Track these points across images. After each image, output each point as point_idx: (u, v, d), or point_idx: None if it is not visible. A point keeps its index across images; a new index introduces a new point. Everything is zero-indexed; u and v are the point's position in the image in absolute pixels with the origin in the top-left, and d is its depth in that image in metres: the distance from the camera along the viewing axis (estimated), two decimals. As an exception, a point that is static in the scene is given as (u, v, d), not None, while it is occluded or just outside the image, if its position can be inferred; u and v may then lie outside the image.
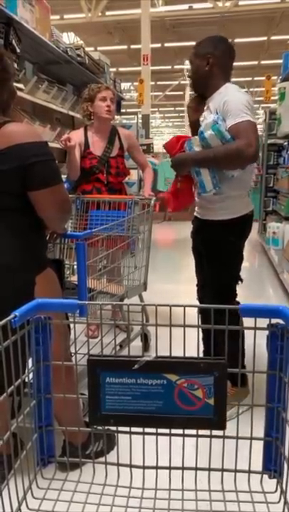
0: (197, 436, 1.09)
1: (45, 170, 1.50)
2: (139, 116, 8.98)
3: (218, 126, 1.96)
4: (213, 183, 2.05)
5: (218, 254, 2.19)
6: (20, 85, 3.56)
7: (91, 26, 11.82)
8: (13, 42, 3.23)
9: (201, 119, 2.31)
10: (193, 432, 1.08)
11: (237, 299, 2.26)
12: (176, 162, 2.17)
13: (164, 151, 2.81)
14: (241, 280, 2.27)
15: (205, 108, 2.23)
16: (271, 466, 1.07)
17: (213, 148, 2.01)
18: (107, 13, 11.90)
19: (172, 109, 24.64)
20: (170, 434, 1.09)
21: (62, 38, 4.66)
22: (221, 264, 2.19)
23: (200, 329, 1.11)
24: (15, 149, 1.44)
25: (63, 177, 2.38)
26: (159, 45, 13.33)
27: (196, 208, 2.34)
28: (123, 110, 7.79)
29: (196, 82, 2.22)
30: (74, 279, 2.11)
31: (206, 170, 2.05)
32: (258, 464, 1.09)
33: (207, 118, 2.05)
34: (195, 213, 2.36)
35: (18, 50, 3.34)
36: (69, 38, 11.57)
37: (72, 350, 1.69)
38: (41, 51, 4.18)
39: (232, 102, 1.98)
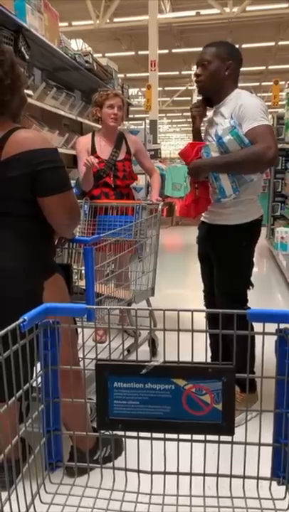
0: (205, 441, 1.09)
1: (55, 177, 1.50)
2: (147, 121, 9.01)
3: (236, 130, 1.96)
4: (233, 188, 2.04)
5: (230, 259, 2.16)
6: (29, 91, 3.59)
7: (99, 33, 11.90)
8: (22, 49, 3.27)
9: (203, 124, 2.29)
10: (202, 437, 1.08)
11: (248, 305, 2.23)
12: (194, 168, 2.14)
13: (171, 156, 2.80)
14: (252, 285, 2.24)
15: (212, 113, 2.22)
16: (280, 472, 1.06)
17: (232, 153, 1.99)
18: (115, 19, 11.97)
19: (180, 114, 24.71)
20: (178, 440, 1.08)
21: (70, 45, 4.70)
22: (233, 269, 2.17)
23: (208, 335, 1.11)
24: (25, 156, 1.45)
25: (72, 182, 2.38)
26: (166, 51, 13.38)
27: (204, 213, 2.31)
28: (131, 116, 7.83)
29: (210, 83, 2.12)
30: (82, 283, 2.11)
31: (225, 175, 2.03)
32: (266, 470, 1.08)
33: (222, 123, 2.03)
34: (202, 218, 2.33)
35: (27, 57, 3.38)
36: (77, 45, 11.67)
37: (80, 355, 1.70)
38: (50, 58, 4.22)
39: (248, 107, 1.98)
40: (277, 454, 1.06)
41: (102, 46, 13.19)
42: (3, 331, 0.93)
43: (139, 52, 13.89)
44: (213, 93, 2.16)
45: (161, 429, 1.05)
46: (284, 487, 1.07)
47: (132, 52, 14.41)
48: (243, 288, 2.22)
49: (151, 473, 1.14)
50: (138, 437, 1.09)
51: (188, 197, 2.32)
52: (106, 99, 3.04)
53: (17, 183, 1.46)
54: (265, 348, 1.02)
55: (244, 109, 1.98)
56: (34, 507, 1.07)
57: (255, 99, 2.05)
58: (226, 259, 2.19)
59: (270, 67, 15.92)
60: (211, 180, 2.11)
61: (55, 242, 1.81)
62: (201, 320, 1.08)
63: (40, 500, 1.10)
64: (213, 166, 2.07)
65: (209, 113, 2.27)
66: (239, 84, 2.17)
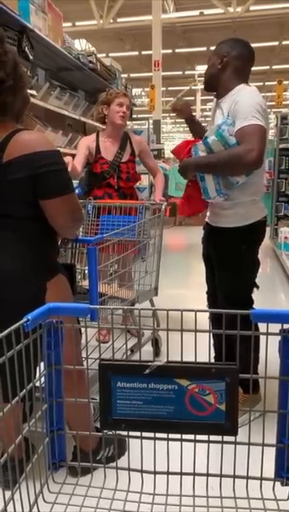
0: (208, 442, 1.09)
1: (57, 179, 1.50)
2: (150, 121, 9.02)
3: (221, 131, 1.93)
4: (216, 189, 2.02)
5: (230, 262, 2.13)
6: (33, 91, 3.60)
7: (103, 33, 11.92)
8: (26, 49, 3.27)
9: (211, 113, 2.29)
10: (205, 437, 1.08)
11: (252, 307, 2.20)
12: (181, 167, 2.16)
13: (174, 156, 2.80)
14: (257, 287, 2.20)
15: (217, 109, 2.21)
16: (284, 473, 1.06)
17: (215, 154, 1.98)
18: (119, 19, 11.98)
19: (183, 114, 24.69)
20: (181, 440, 1.08)
21: (74, 45, 4.71)
22: (234, 272, 2.14)
23: (211, 335, 1.11)
24: (27, 158, 1.44)
25: (75, 182, 2.38)
26: (170, 51, 13.39)
27: (208, 214, 2.30)
28: (134, 116, 7.83)
29: (207, 79, 2.20)
30: (85, 283, 2.12)
31: (209, 176, 2.02)
32: (270, 470, 1.08)
33: (217, 121, 2.03)
34: (206, 219, 2.32)
35: (31, 57, 3.38)
36: (81, 45, 11.69)
37: (84, 354, 1.70)
38: (53, 58, 4.22)
39: (242, 105, 1.94)
40: (280, 455, 1.06)
41: (106, 46, 13.21)
42: (7, 331, 0.94)
43: (143, 52, 13.91)
44: (211, 87, 2.19)
45: (164, 429, 1.05)
46: (287, 488, 1.06)
47: (136, 52, 14.43)
48: (245, 291, 2.18)
49: (155, 473, 1.14)
50: (141, 437, 1.09)
51: (183, 194, 2.34)
52: (116, 97, 3.05)
53: (19, 185, 1.46)
54: (268, 348, 1.02)
55: (238, 106, 1.95)
56: (37, 506, 1.07)
57: (251, 97, 1.99)
58: (226, 262, 2.16)
59: (273, 67, 15.89)
60: (197, 180, 2.12)
61: (59, 242, 1.81)
62: (204, 320, 1.08)
63: (44, 499, 1.10)
64: (197, 165, 2.08)
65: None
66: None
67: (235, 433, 1.02)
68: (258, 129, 1.89)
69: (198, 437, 1.08)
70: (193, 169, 2.10)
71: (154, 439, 1.08)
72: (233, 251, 2.12)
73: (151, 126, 8.73)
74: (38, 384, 1.13)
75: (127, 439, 1.12)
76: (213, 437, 1.07)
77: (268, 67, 15.74)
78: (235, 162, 1.91)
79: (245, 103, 1.94)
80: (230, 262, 2.14)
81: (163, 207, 2.78)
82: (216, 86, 2.14)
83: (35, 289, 1.54)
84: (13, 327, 0.94)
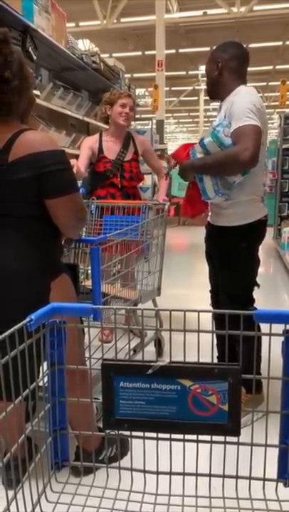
0: (211, 442, 1.09)
1: (61, 178, 1.51)
2: (154, 121, 9.01)
3: (216, 132, 1.97)
4: (214, 190, 2.05)
5: (229, 260, 2.16)
6: (37, 92, 3.60)
7: (106, 33, 11.92)
8: (30, 49, 3.28)
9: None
10: (207, 438, 1.08)
11: (254, 306, 2.21)
12: (181, 170, 2.20)
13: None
14: (258, 285, 2.23)
15: (219, 111, 2.23)
16: (286, 474, 1.06)
17: (211, 155, 2.02)
18: (122, 19, 11.98)
19: (186, 114, 24.68)
20: (184, 440, 1.08)
21: (77, 45, 4.71)
22: (233, 270, 2.16)
23: (214, 335, 1.11)
24: (32, 158, 1.45)
25: (78, 183, 2.38)
26: (173, 51, 13.38)
27: (209, 213, 2.33)
28: (137, 116, 7.83)
29: (208, 87, 2.25)
30: (88, 283, 2.12)
31: (207, 176, 2.06)
32: (273, 471, 1.08)
33: (215, 122, 2.07)
34: (208, 218, 2.35)
35: (34, 58, 3.39)
36: (84, 45, 11.70)
37: (87, 354, 1.70)
38: (57, 58, 4.23)
39: (237, 106, 1.97)
40: (283, 456, 1.05)
41: (109, 46, 13.20)
42: (10, 330, 0.94)
43: (146, 52, 13.90)
44: (213, 93, 2.23)
45: (166, 429, 1.05)
46: (290, 488, 1.06)
47: (139, 52, 14.42)
48: (244, 289, 2.20)
49: (157, 473, 1.14)
50: (144, 437, 1.09)
51: (184, 197, 2.38)
52: (119, 97, 3.05)
53: (22, 184, 1.47)
54: (271, 348, 1.02)
55: (233, 108, 1.98)
56: (40, 506, 1.08)
57: (246, 97, 2.00)
58: (225, 261, 2.19)
59: (277, 67, 15.86)
60: (196, 181, 2.15)
61: (62, 242, 1.81)
62: (207, 320, 1.08)
63: (46, 499, 1.10)
64: (194, 167, 2.11)
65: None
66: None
67: (237, 433, 1.02)
68: (252, 129, 1.91)
69: (201, 438, 1.08)
70: (190, 171, 2.13)
71: (157, 439, 1.08)
72: (232, 249, 2.14)
73: (154, 126, 8.71)
74: (41, 383, 1.14)
75: (129, 439, 1.12)
76: (215, 438, 1.07)
77: (271, 67, 15.72)
78: (229, 162, 1.94)
79: (239, 104, 1.97)
80: (230, 261, 2.16)
81: (166, 207, 2.78)
82: (218, 91, 2.18)
83: (40, 289, 1.55)
84: (16, 326, 0.95)
